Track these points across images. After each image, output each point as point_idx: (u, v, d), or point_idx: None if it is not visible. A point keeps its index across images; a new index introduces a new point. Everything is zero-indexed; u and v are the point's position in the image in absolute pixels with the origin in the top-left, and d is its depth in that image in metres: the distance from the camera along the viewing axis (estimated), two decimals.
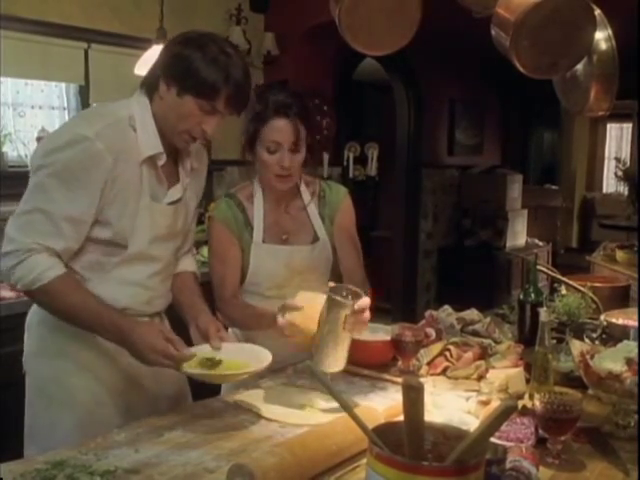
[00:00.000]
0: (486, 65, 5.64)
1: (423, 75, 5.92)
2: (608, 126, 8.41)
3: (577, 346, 1.62)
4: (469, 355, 1.91)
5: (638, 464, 1.32)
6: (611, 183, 8.18)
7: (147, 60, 3.37)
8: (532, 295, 2.06)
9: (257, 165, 1.98)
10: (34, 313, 1.76)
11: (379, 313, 1.99)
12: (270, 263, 2.00)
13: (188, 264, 1.93)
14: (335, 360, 1.65)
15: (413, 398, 0.98)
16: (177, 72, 1.60)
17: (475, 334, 2.13)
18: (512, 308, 2.34)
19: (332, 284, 1.72)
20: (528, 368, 1.74)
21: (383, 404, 1.62)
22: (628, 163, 6.19)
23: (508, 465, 1.21)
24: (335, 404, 1.13)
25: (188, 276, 1.91)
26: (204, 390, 1.76)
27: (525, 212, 6.73)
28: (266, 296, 2.00)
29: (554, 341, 1.82)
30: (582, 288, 2.24)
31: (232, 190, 2.09)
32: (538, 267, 2.19)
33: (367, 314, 1.70)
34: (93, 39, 3.67)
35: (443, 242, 6.55)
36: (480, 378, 1.81)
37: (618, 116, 7.36)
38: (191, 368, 1.57)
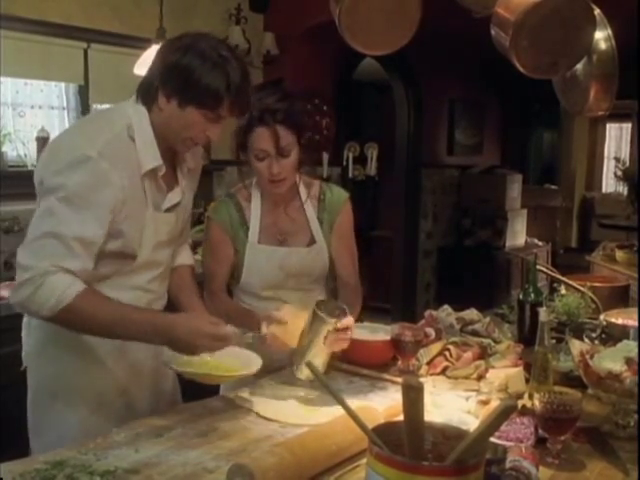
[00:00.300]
0: (486, 65, 5.64)
1: (423, 75, 5.92)
2: (607, 126, 8.40)
3: (577, 346, 1.62)
4: (469, 355, 1.91)
5: (638, 464, 1.32)
6: (610, 183, 8.17)
7: (147, 60, 3.36)
8: (532, 295, 2.06)
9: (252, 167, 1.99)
10: None
11: (379, 313, 2.00)
12: (264, 264, 2.00)
13: (185, 257, 1.94)
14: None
15: (413, 398, 0.98)
16: (176, 84, 1.56)
17: (475, 334, 2.13)
18: (512, 308, 2.34)
19: (321, 298, 1.81)
20: (528, 368, 1.74)
21: (383, 404, 1.61)
22: (628, 163, 6.19)
23: (508, 465, 1.21)
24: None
25: (185, 271, 1.92)
26: (204, 390, 1.76)
27: (525, 212, 6.74)
28: (261, 296, 2.02)
29: (554, 341, 1.82)
30: (581, 288, 2.24)
31: (232, 190, 2.11)
32: (538, 267, 2.19)
33: (349, 333, 1.77)
34: (93, 39, 3.67)
35: (443, 242, 6.55)
36: (480, 378, 1.82)
37: (618, 116, 7.36)
38: (179, 365, 1.58)
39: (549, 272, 2.43)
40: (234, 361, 1.65)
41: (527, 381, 1.70)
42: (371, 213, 7.44)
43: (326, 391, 1.19)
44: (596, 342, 1.66)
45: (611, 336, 1.76)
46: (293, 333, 1.75)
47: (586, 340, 1.65)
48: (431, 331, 2.04)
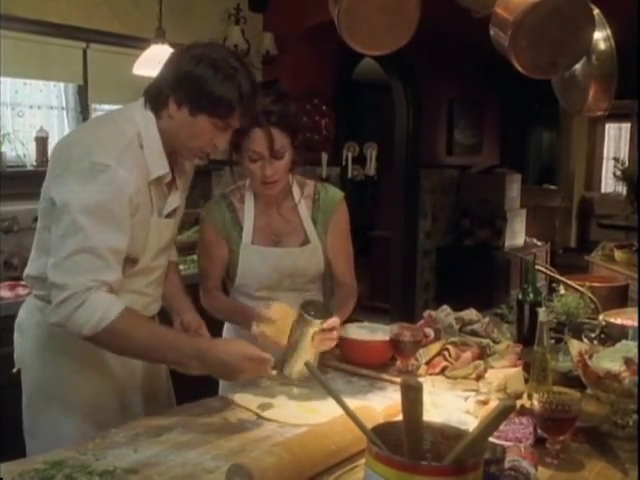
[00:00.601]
0: (485, 65, 5.64)
1: (422, 75, 5.92)
2: (607, 126, 8.41)
3: (576, 346, 1.63)
4: (468, 355, 1.91)
5: (638, 463, 1.32)
6: (609, 183, 8.18)
7: (146, 60, 3.37)
8: (531, 295, 2.06)
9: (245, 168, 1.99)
10: (29, 314, 1.74)
11: (378, 313, 2.01)
12: (258, 265, 2.01)
13: (171, 254, 1.94)
14: (300, 370, 1.73)
15: (412, 398, 0.98)
16: (190, 92, 1.57)
17: (474, 334, 2.13)
18: (511, 308, 2.34)
19: (307, 299, 1.81)
20: (527, 368, 1.74)
21: (382, 404, 1.62)
22: (627, 163, 6.19)
23: (507, 465, 1.21)
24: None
25: (171, 268, 1.93)
26: (203, 390, 1.76)
27: (524, 212, 6.74)
28: (256, 297, 2.03)
29: (553, 341, 1.82)
30: (580, 288, 2.24)
31: (226, 191, 2.11)
32: (537, 267, 2.19)
33: (335, 333, 1.78)
34: (92, 39, 3.67)
35: (442, 242, 6.55)
36: (479, 378, 1.82)
37: (617, 116, 7.37)
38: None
39: (548, 272, 2.43)
40: None
41: (526, 381, 1.70)
42: (370, 213, 7.44)
43: (325, 391, 1.19)
44: (595, 342, 1.67)
45: (610, 336, 1.76)
46: (284, 330, 1.77)
47: (585, 340, 1.66)
48: (430, 331, 2.04)
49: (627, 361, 1.49)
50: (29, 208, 2.91)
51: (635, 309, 2.03)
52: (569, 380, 1.69)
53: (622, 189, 6.81)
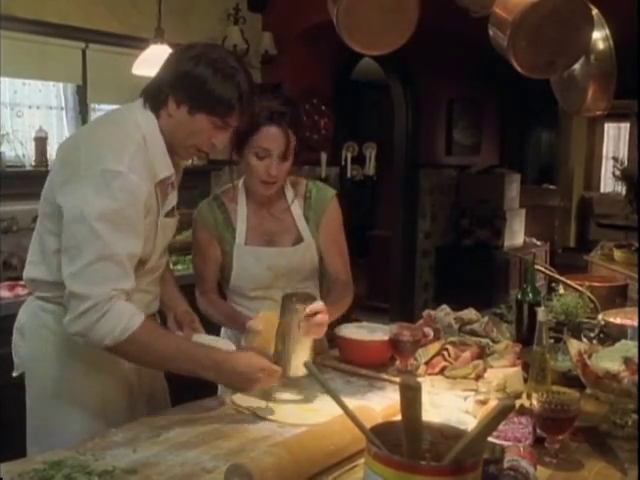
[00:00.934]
0: (484, 65, 5.63)
1: (421, 75, 5.92)
2: (606, 126, 8.43)
3: (575, 345, 1.63)
4: (467, 355, 1.91)
5: (637, 463, 1.32)
6: (609, 183, 8.20)
7: (145, 60, 3.37)
8: (530, 294, 2.06)
9: (242, 167, 1.99)
10: (31, 316, 1.73)
11: (377, 313, 2.00)
12: (253, 265, 2.01)
13: None
14: (297, 365, 1.71)
15: (411, 398, 0.98)
16: (189, 91, 1.58)
17: (473, 334, 2.13)
18: (510, 307, 2.34)
19: (286, 292, 1.81)
20: (526, 367, 1.74)
21: (381, 404, 1.62)
22: (626, 163, 6.20)
23: (506, 464, 1.21)
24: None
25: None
26: (202, 390, 1.76)
27: (523, 212, 6.74)
28: (251, 297, 2.03)
29: (552, 340, 1.82)
30: (580, 287, 2.24)
31: (218, 191, 2.12)
32: (536, 266, 2.19)
33: (320, 317, 1.75)
34: (91, 39, 3.67)
35: (441, 242, 6.55)
36: (478, 377, 1.82)
37: (616, 116, 7.39)
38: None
39: (547, 272, 2.43)
40: None
41: (525, 381, 1.70)
42: (369, 213, 7.44)
43: (324, 391, 1.19)
44: (594, 342, 1.66)
45: (609, 336, 1.76)
46: (269, 340, 1.77)
47: (584, 340, 1.66)
48: (429, 331, 2.04)
49: (626, 361, 1.49)
50: (28, 208, 2.91)
51: (634, 309, 2.03)
52: (568, 380, 1.70)
53: (621, 189, 6.82)
